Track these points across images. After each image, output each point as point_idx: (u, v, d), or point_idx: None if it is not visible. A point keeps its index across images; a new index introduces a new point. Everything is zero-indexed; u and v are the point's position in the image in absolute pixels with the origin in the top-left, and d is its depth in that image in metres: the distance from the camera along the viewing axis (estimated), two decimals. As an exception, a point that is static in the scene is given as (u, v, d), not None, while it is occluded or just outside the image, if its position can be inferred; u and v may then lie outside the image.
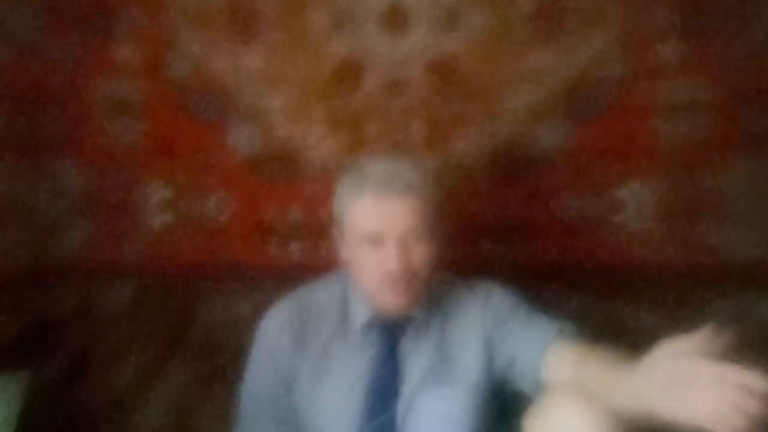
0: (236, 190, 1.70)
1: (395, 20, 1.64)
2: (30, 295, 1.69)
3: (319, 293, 1.41)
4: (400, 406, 1.29)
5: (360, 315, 1.34)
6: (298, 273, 1.66)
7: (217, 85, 1.66)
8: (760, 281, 1.71)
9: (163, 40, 1.64)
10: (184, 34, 1.65)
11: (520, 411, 1.09)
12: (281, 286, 1.63)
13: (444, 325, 1.36)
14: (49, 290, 1.69)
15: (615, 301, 1.69)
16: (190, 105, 1.67)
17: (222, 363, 1.56)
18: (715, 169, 1.65)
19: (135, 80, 1.66)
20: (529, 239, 1.71)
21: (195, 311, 1.60)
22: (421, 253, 1.27)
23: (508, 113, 1.66)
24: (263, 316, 1.40)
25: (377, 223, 1.25)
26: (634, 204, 1.69)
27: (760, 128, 1.63)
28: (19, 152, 1.66)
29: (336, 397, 1.31)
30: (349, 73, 1.66)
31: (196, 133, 1.68)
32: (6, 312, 1.66)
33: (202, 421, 1.54)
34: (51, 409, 1.54)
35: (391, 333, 1.34)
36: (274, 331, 1.36)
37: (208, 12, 1.64)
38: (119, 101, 1.67)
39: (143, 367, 1.56)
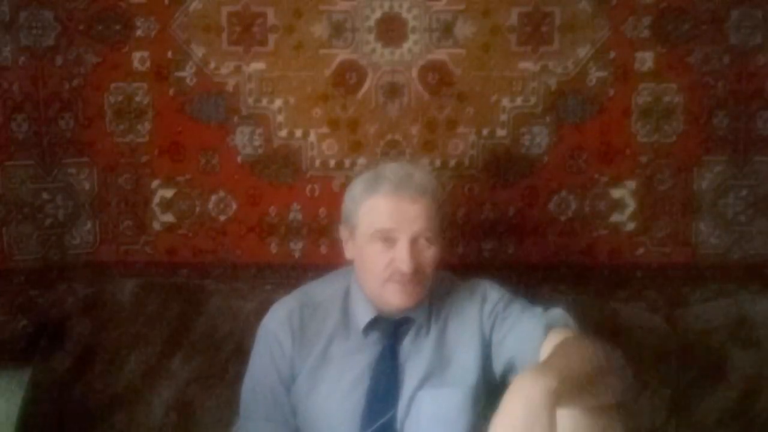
0: (238, 189, 1.72)
1: (391, 29, 1.67)
2: (35, 292, 1.70)
3: (321, 292, 1.42)
4: (400, 407, 1.29)
5: (362, 315, 1.35)
6: (298, 272, 1.69)
7: (220, 89, 1.68)
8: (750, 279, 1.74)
9: (171, 47, 1.67)
10: (190, 41, 1.67)
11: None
12: (282, 285, 1.65)
13: (443, 325, 1.36)
14: (54, 287, 1.71)
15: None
16: (195, 107, 1.69)
17: (224, 361, 1.56)
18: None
19: (144, 85, 1.68)
20: (524, 238, 1.74)
21: (197, 309, 1.60)
22: (430, 255, 1.29)
23: (498, 117, 1.69)
24: (264, 315, 1.42)
25: (392, 221, 1.27)
26: (619, 203, 1.73)
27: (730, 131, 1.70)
28: (33, 154, 1.68)
29: (336, 397, 1.31)
30: (348, 77, 1.68)
31: (199, 134, 1.70)
32: (11, 308, 1.68)
33: (204, 418, 1.53)
34: (53, 405, 1.54)
35: (392, 334, 1.35)
36: (275, 330, 1.37)
37: (213, 20, 1.67)
38: (129, 105, 1.69)
39: (146, 365, 1.56)
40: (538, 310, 1.31)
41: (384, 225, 1.28)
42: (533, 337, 1.23)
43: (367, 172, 1.39)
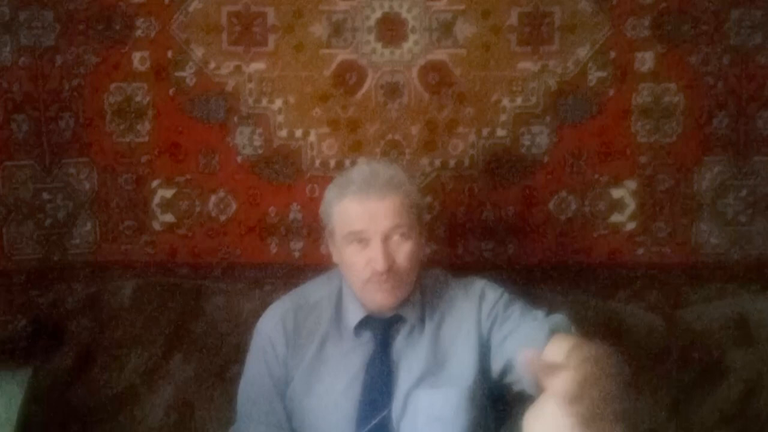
0: (238, 189, 1.72)
1: (391, 29, 1.67)
2: (35, 292, 1.70)
3: (316, 292, 1.43)
4: (395, 407, 1.29)
5: (353, 316, 1.36)
6: (298, 272, 1.69)
7: (220, 89, 1.68)
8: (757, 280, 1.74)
9: (171, 47, 1.67)
10: (190, 41, 1.67)
11: (522, 411, 1.11)
12: (282, 285, 1.65)
13: (438, 324, 1.36)
14: (54, 287, 1.71)
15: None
16: (195, 107, 1.69)
17: (224, 361, 1.56)
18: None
19: (144, 85, 1.68)
20: (524, 238, 1.74)
21: (197, 309, 1.60)
22: (405, 250, 1.29)
23: (498, 117, 1.70)
24: (261, 317, 1.42)
25: (361, 222, 1.28)
26: (619, 203, 1.73)
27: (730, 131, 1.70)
28: (33, 154, 1.68)
29: (331, 397, 1.32)
30: (348, 77, 1.68)
31: (199, 134, 1.70)
32: (11, 308, 1.68)
33: (203, 418, 1.54)
34: (54, 405, 1.54)
35: (384, 333, 1.35)
36: (269, 332, 1.38)
37: (213, 20, 1.67)
38: (129, 105, 1.69)
39: (146, 364, 1.56)
40: (540, 313, 1.31)
41: (355, 227, 1.29)
42: (536, 341, 1.23)
43: (339, 176, 1.40)
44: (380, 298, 1.30)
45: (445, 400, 1.29)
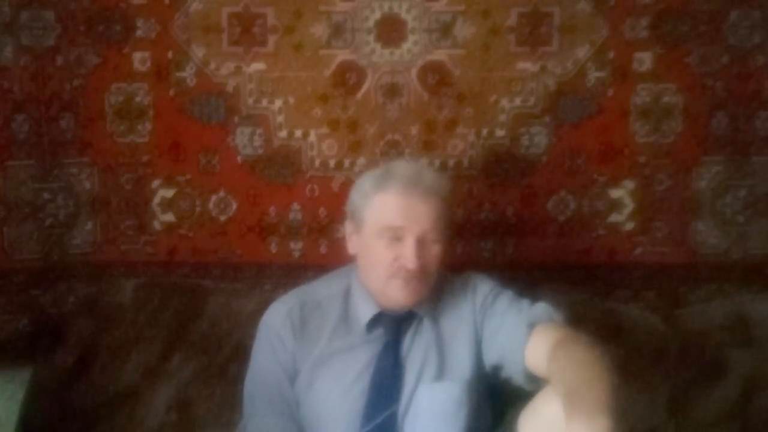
0: (238, 189, 1.72)
1: (391, 29, 1.68)
2: (35, 292, 1.71)
3: (320, 291, 1.42)
4: (402, 402, 1.30)
5: (364, 312, 1.35)
6: (298, 272, 1.69)
7: (220, 89, 1.69)
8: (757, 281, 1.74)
9: (171, 47, 1.68)
10: (191, 42, 1.68)
11: (519, 408, 1.11)
12: (282, 285, 1.66)
13: (439, 320, 1.37)
14: (54, 287, 1.71)
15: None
16: (195, 108, 1.70)
17: (224, 361, 1.56)
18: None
19: (144, 85, 1.69)
20: (523, 238, 1.74)
21: (197, 309, 1.60)
22: (435, 253, 1.30)
23: (497, 117, 1.70)
24: (265, 312, 1.42)
25: (401, 219, 1.28)
26: (617, 203, 1.73)
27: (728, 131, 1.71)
28: (34, 154, 1.68)
29: (337, 392, 1.32)
30: (348, 77, 1.69)
31: (199, 134, 1.70)
32: (11, 308, 1.68)
33: (204, 418, 1.54)
34: (54, 404, 1.54)
35: (397, 329, 1.35)
36: (276, 325, 1.37)
37: (214, 21, 1.68)
38: (129, 105, 1.69)
39: (146, 364, 1.56)
40: (524, 305, 1.32)
41: (393, 222, 1.29)
42: (518, 340, 1.24)
43: (377, 168, 1.40)
44: (403, 297, 1.30)
45: (448, 395, 1.30)
